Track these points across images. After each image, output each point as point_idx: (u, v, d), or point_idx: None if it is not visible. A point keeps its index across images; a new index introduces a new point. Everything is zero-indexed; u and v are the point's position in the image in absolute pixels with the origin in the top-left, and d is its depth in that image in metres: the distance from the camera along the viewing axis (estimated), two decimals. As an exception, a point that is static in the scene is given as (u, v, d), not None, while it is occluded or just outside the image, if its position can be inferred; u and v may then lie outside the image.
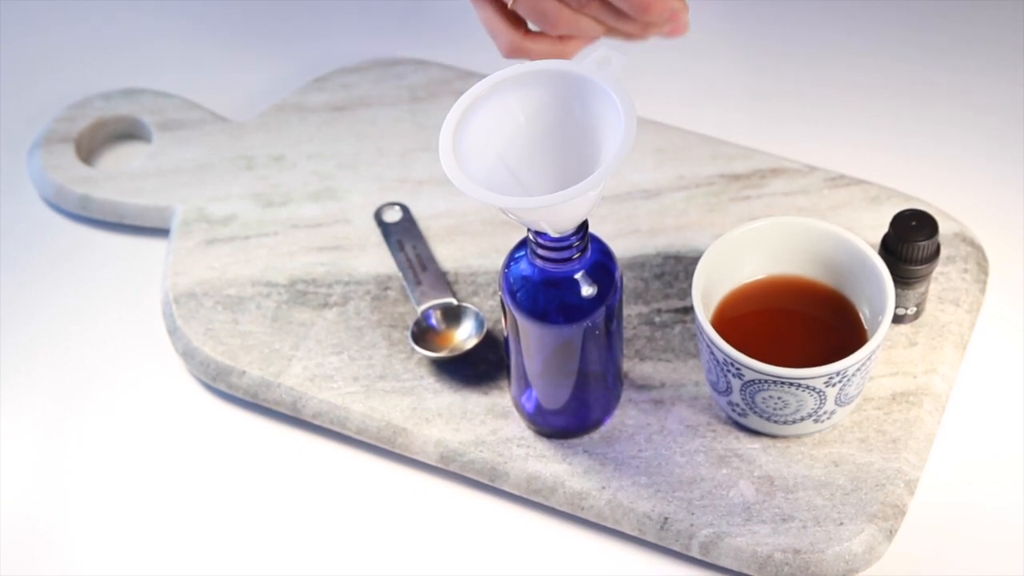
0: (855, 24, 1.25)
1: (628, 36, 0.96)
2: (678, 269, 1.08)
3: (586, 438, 1.01)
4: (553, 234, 0.88)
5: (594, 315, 0.93)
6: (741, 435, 1.00)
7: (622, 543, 0.99)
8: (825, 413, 0.98)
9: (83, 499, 1.02)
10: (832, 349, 0.97)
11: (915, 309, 1.03)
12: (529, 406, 1.00)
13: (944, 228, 1.09)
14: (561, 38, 0.95)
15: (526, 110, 0.88)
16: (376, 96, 1.20)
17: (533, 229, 0.89)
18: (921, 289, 1.02)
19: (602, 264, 0.93)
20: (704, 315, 0.97)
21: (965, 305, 1.05)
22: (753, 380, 0.96)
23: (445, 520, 1.01)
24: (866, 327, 1.01)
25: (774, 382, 0.95)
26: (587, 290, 0.93)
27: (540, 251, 0.90)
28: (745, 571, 0.96)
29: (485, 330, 1.05)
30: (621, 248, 1.08)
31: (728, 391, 0.98)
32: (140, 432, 1.05)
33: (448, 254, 1.10)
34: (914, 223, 1.00)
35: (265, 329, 1.07)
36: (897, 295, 1.00)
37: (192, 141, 1.18)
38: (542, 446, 1.01)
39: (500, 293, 0.95)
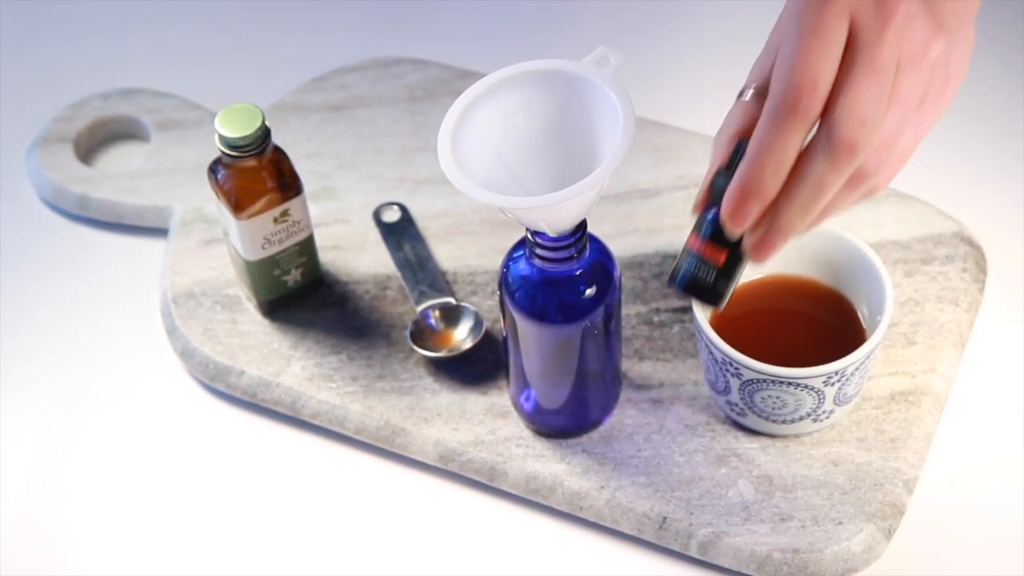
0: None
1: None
2: (677, 269, 1.08)
3: (585, 438, 1.01)
4: (552, 234, 0.88)
5: (593, 315, 0.93)
6: (740, 434, 1.00)
7: (621, 543, 0.99)
8: (824, 412, 0.98)
9: (82, 498, 1.02)
10: (831, 348, 0.96)
11: None
12: (528, 406, 1.00)
13: (943, 227, 1.09)
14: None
15: (525, 110, 0.88)
16: (375, 96, 1.20)
17: (532, 229, 0.89)
18: None
19: (601, 264, 0.93)
20: (703, 314, 0.97)
21: (964, 304, 1.05)
22: (752, 379, 0.96)
23: (444, 520, 1.01)
24: (865, 326, 1.01)
25: (773, 381, 0.95)
26: (586, 290, 0.93)
27: (539, 251, 0.90)
28: (744, 571, 0.96)
29: (484, 330, 1.05)
30: (620, 247, 1.08)
31: (727, 391, 0.98)
32: (139, 432, 1.05)
33: (447, 254, 1.10)
34: None
35: (264, 329, 1.07)
36: None
37: (191, 141, 1.18)
38: (541, 446, 1.01)
39: (499, 293, 0.95)
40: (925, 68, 0.79)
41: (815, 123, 0.78)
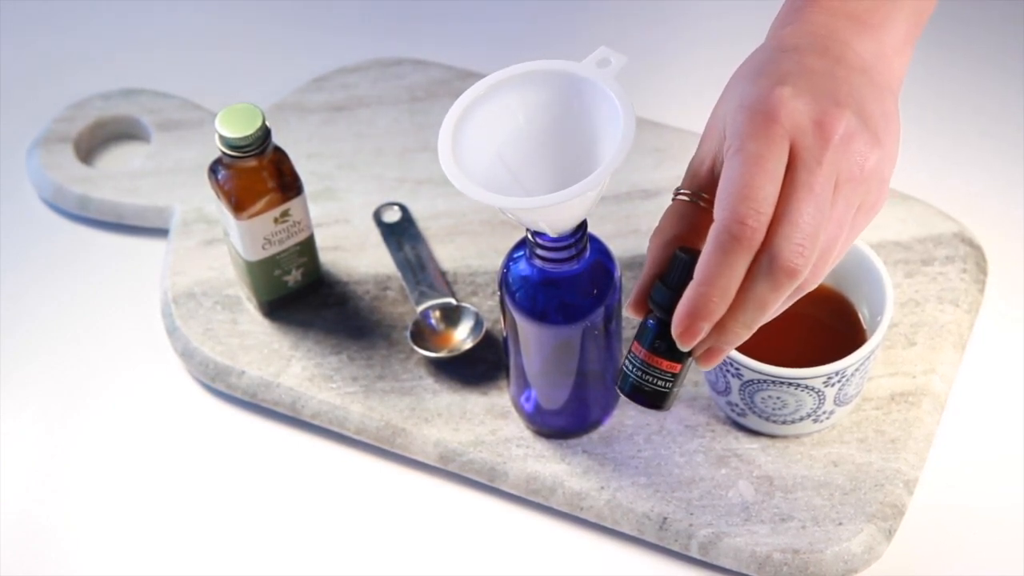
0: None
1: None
2: (677, 269, 1.08)
3: (585, 438, 1.01)
4: (552, 234, 0.88)
5: (593, 315, 0.93)
6: (740, 435, 1.00)
7: (621, 543, 0.99)
8: (824, 413, 0.98)
9: (83, 499, 1.02)
10: (831, 349, 0.97)
11: None
12: (528, 406, 1.00)
13: (944, 228, 1.09)
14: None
15: (525, 110, 0.88)
16: (375, 96, 1.20)
17: (532, 229, 0.89)
18: None
19: (601, 264, 0.93)
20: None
21: (964, 305, 1.05)
22: (752, 380, 0.96)
23: (445, 520, 1.01)
24: (865, 327, 1.01)
25: (773, 382, 0.95)
26: (586, 290, 0.93)
27: (539, 251, 0.90)
28: (744, 571, 0.96)
29: (484, 330, 1.05)
30: (620, 248, 1.08)
31: (727, 391, 0.98)
32: (139, 432, 1.05)
33: (447, 254, 1.10)
34: None
35: (264, 329, 1.07)
36: None
37: (191, 141, 1.18)
38: (541, 446, 1.01)
39: (499, 293, 0.95)
40: (862, 181, 0.80)
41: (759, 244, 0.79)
